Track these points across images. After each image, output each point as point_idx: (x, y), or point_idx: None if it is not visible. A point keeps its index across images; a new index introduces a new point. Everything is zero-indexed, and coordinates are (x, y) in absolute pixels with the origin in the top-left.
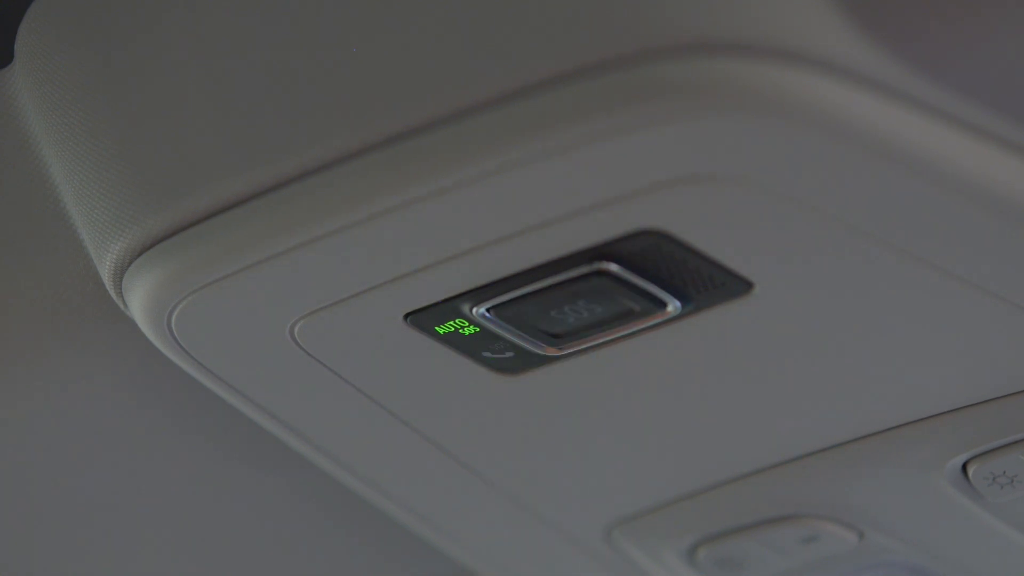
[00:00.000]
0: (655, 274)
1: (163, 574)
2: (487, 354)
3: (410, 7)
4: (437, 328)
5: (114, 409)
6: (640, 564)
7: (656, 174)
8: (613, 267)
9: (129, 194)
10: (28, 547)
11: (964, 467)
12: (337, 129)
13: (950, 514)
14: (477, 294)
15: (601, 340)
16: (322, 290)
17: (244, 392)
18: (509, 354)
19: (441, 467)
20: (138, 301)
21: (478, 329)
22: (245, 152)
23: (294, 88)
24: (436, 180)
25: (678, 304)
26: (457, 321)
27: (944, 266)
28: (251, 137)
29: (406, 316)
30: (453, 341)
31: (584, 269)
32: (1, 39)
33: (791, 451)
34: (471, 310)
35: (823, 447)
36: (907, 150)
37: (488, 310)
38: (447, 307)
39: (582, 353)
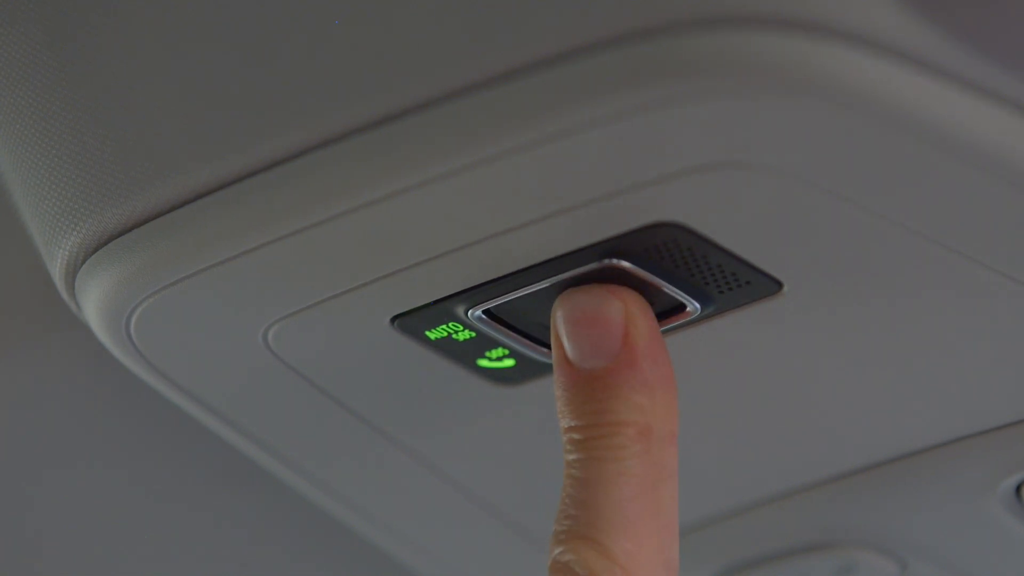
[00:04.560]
0: (672, 272)
1: None
2: (484, 362)
3: None
4: (428, 333)
5: (68, 423)
6: None
7: (676, 161)
8: (625, 264)
9: (83, 183)
10: None
11: (1018, 489)
12: (317, 111)
13: (1003, 541)
14: (473, 295)
15: None
16: (299, 290)
17: (211, 405)
18: (509, 362)
19: (432, 489)
20: (93, 303)
21: (474, 334)
22: (214, 137)
23: (270, 66)
24: (428, 167)
25: (698, 306)
26: (450, 325)
27: (1002, 268)
28: (221, 120)
29: (393, 320)
30: (446, 348)
31: (593, 266)
32: None
33: (825, 471)
34: (466, 313)
35: (861, 467)
36: (969, 141)
37: (485, 313)
38: (439, 309)
39: None
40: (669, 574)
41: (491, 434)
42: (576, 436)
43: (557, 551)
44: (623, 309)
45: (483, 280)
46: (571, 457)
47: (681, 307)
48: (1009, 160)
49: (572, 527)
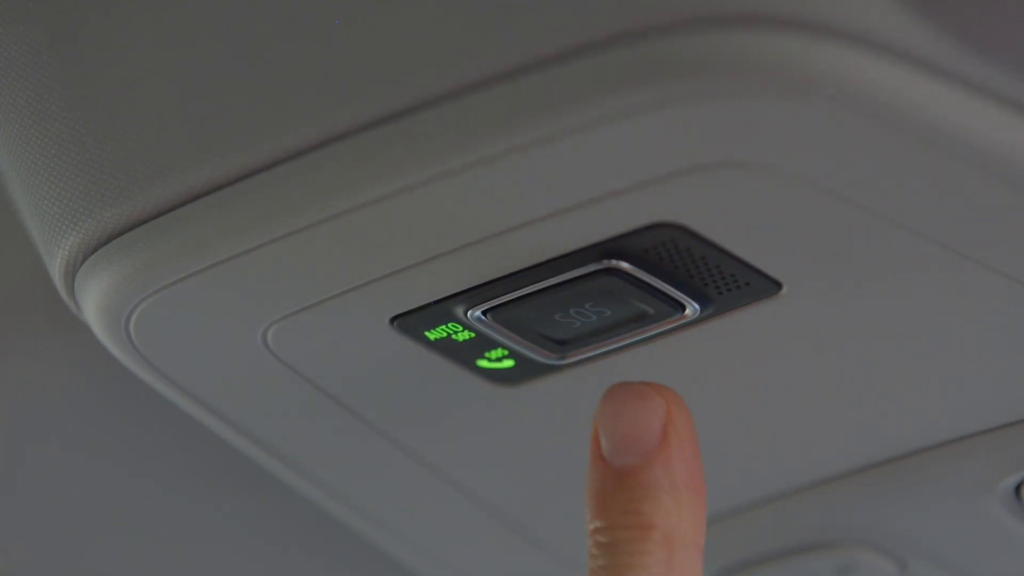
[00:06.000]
0: (671, 273)
1: None
2: (483, 363)
3: None
4: (427, 333)
5: (68, 423)
6: None
7: (676, 161)
8: (624, 265)
9: (83, 183)
10: None
11: (1018, 488)
12: (317, 110)
13: (1002, 541)
14: (472, 295)
15: (611, 347)
16: (298, 290)
17: (211, 404)
18: (508, 363)
19: (432, 490)
20: (92, 303)
21: (473, 335)
22: (214, 136)
23: (270, 65)
24: (427, 167)
25: (696, 306)
26: (450, 326)
27: (1001, 268)
28: (221, 120)
29: (393, 320)
30: (445, 348)
31: (592, 267)
32: None
33: (824, 471)
34: (466, 313)
35: (861, 467)
36: (969, 141)
37: (484, 313)
38: (439, 310)
39: (590, 361)
40: None
41: (490, 434)
42: (601, 539)
43: None
44: (664, 407)
45: (482, 280)
46: (597, 564)
47: (680, 308)
48: (1009, 160)
49: None
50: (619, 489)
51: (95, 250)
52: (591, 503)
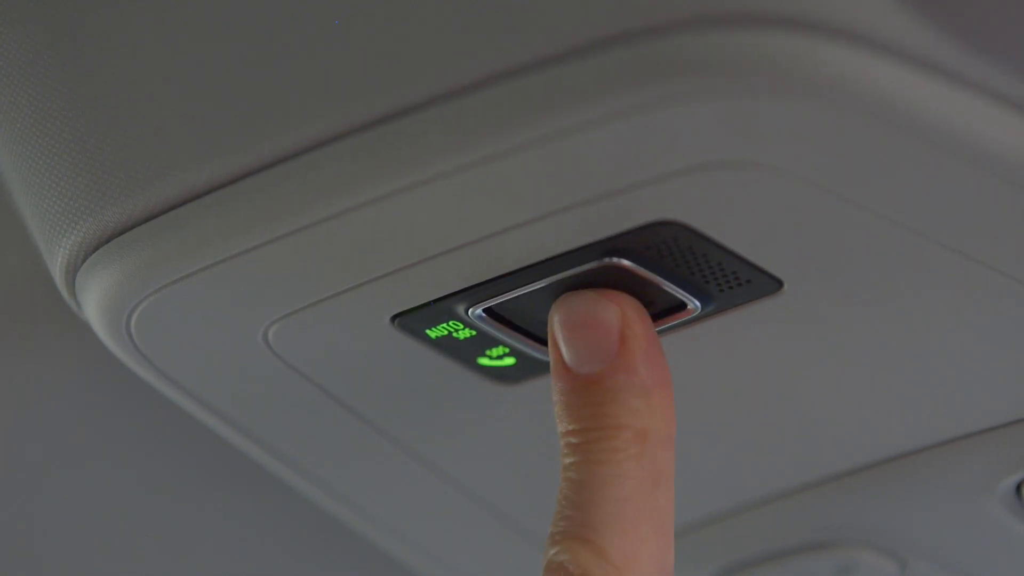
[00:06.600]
0: (672, 271)
1: None
2: (484, 361)
3: None
4: (428, 332)
5: (68, 423)
6: None
7: (676, 160)
8: (626, 263)
9: (83, 182)
10: None
11: (1018, 488)
12: (317, 110)
13: (1003, 540)
14: (473, 293)
15: None
16: (299, 289)
17: (211, 404)
18: (509, 361)
19: (432, 489)
20: (93, 302)
21: (474, 333)
22: (214, 136)
23: (270, 65)
24: (428, 166)
25: (698, 304)
26: (451, 324)
27: (1002, 268)
28: (221, 119)
29: (394, 318)
30: (447, 346)
31: (593, 265)
32: None
33: (825, 470)
34: (467, 311)
35: (861, 466)
36: (969, 141)
37: (486, 311)
38: (440, 308)
39: None
40: None
41: (491, 433)
42: (573, 440)
43: (552, 551)
44: (619, 313)
45: (483, 279)
46: (568, 460)
47: (681, 305)
48: (1009, 159)
49: (568, 528)
50: (587, 395)
51: (96, 249)
52: (560, 409)
